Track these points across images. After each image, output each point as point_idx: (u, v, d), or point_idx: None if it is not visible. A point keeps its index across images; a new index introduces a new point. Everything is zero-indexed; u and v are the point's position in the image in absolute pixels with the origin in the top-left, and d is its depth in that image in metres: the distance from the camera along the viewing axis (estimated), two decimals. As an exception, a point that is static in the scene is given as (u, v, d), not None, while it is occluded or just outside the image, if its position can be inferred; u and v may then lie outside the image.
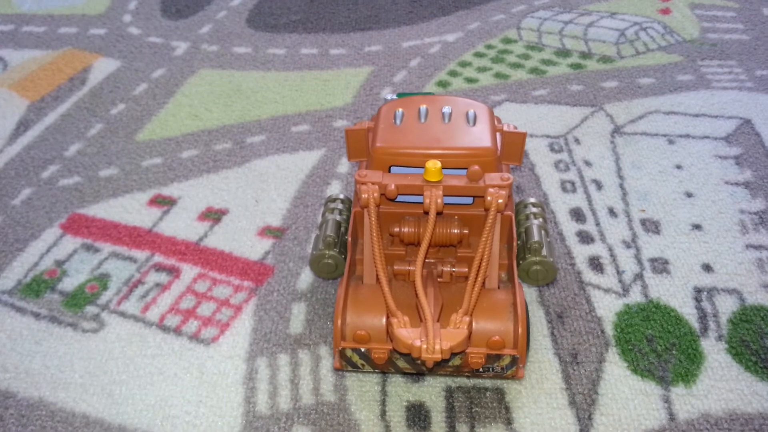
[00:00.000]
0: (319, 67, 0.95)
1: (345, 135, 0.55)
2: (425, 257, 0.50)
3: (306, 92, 0.89)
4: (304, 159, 0.78)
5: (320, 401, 0.53)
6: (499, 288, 0.53)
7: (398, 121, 0.53)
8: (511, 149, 0.54)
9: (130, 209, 0.72)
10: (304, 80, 0.92)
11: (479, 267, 0.48)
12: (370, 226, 0.49)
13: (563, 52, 0.95)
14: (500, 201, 0.48)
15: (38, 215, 0.71)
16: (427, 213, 0.49)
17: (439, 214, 0.51)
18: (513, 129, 0.54)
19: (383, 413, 0.52)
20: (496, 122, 0.55)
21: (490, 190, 0.48)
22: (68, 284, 0.63)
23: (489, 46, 0.98)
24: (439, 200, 0.48)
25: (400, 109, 0.54)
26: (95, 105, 0.89)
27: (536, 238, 0.55)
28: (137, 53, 0.99)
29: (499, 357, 0.49)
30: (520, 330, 0.48)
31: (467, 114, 0.54)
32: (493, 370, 0.50)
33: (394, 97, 0.58)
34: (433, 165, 0.48)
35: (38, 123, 0.86)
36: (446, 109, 0.54)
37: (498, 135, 0.53)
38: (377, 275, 0.49)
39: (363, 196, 0.49)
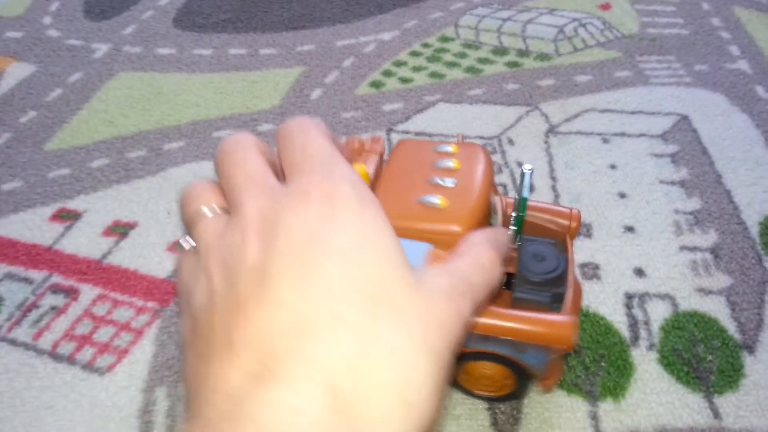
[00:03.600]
0: (247, 67, 0.90)
1: None
2: None
3: (231, 94, 0.85)
4: (224, 166, 0.73)
5: (223, 433, 0.48)
6: None
7: None
8: None
9: (30, 225, 0.66)
10: (230, 82, 0.87)
11: None
12: None
13: (500, 50, 0.92)
14: None
15: (-70, 234, 0.66)
16: None
17: None
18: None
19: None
20: None
21: None
22: (-45, 310, 0.58)
23: (425, 45, 0.94)
24: None
25: None
26: (4, 113, 0.83)
27: None
28: (54, 57, 0.94)
29: None
30: None
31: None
32: None
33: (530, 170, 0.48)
34: None
35: (-60, 133, 0.80)
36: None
37: None
38: None
39: None
